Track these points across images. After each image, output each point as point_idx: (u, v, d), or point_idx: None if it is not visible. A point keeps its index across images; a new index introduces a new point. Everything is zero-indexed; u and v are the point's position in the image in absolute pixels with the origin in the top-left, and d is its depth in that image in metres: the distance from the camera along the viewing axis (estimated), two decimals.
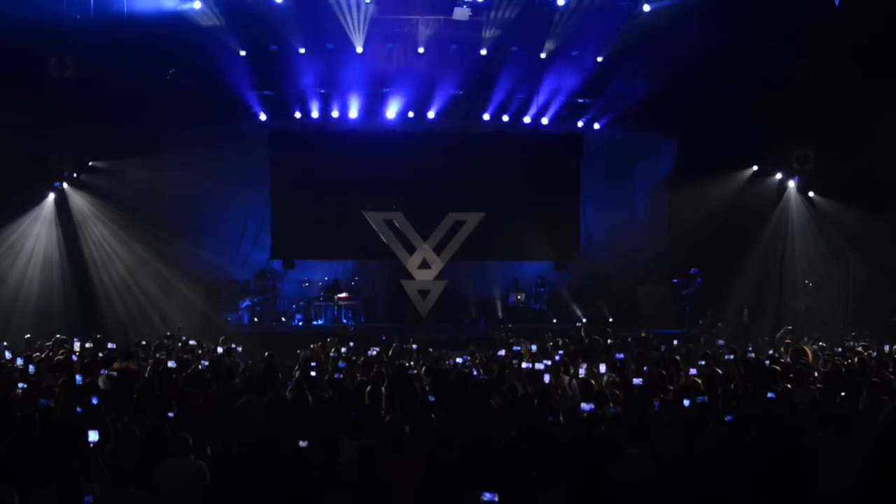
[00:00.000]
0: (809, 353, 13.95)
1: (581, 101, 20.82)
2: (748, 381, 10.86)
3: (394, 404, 9.95)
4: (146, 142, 20.04)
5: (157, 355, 13.74)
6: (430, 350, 15.67)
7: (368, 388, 10.66)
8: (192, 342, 15.96)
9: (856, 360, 13.23)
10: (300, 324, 20.19)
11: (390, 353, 14.72)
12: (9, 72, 16.94)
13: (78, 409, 9.02)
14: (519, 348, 15.23)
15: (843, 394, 10.02)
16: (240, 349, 15.92)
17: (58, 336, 16.47)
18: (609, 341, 15.79)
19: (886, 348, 14.58)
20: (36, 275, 19.22)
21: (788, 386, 10.35)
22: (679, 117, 20.27)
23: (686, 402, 9.04)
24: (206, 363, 13.01)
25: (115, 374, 11.59)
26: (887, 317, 18.01)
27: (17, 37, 16.70)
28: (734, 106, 18.84)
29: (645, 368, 11.92)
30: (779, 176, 20.30)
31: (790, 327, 17.39)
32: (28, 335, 16.55)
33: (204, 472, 7.60)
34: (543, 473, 7.10)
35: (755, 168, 20.44)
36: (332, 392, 10.65)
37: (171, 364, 12.27)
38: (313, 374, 11.97)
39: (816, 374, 12.40)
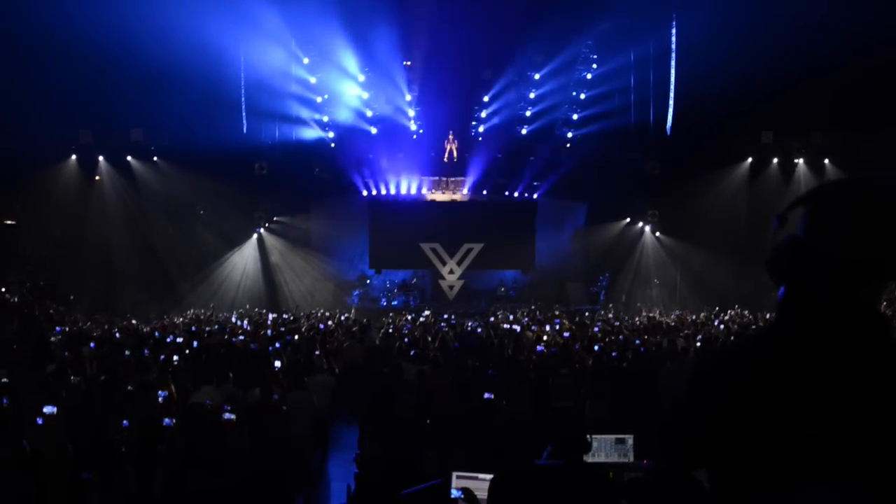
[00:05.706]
0: (657, 318, 14.28)
1: (535, 183, 20.78)
2: (624, 335, 11.09)
3: (435, 346, 9.90)
4: (302, 208, 20.26)
5: (310, 321, 14.17)
6: (453, 318, 15.55)
7: (422, 338, 10.73)
8: (328, 313, 16.44)
9: (680, 320, 13.62)
10: (384, 303, 20.02)
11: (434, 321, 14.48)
12: (235, 170, 17.69)
13: (269, 348, 9.27)
14: (502, 316, 15.48)
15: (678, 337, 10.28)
16: (352, 316, 16.36)
17: (257, 309, 17.04)
18: (557, 312, 15.91)
19: (693, 316, 14.95)
20: (246, 277, 19.62)
21: (646, 337, 10.69)
22: (587, 193, 20.02)
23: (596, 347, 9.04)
24: (334, 324, 13.43)
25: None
26: (695, 301, 18.38)
27: (239, 152, 17.51)
28: (615, 187, 18.90)
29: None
30: (640, 224, 20.43)
31: (638, 304, 18.06)
32: (241, 309, 17.11)
33: (333, 383, 7.61)
34: (517, 383, 7.00)
35: (628, 220, 20.52)
36: (401, 340, 10.70)
37: (321, 326, 12.68)
38: (391, 330, 12.22)
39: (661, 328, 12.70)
